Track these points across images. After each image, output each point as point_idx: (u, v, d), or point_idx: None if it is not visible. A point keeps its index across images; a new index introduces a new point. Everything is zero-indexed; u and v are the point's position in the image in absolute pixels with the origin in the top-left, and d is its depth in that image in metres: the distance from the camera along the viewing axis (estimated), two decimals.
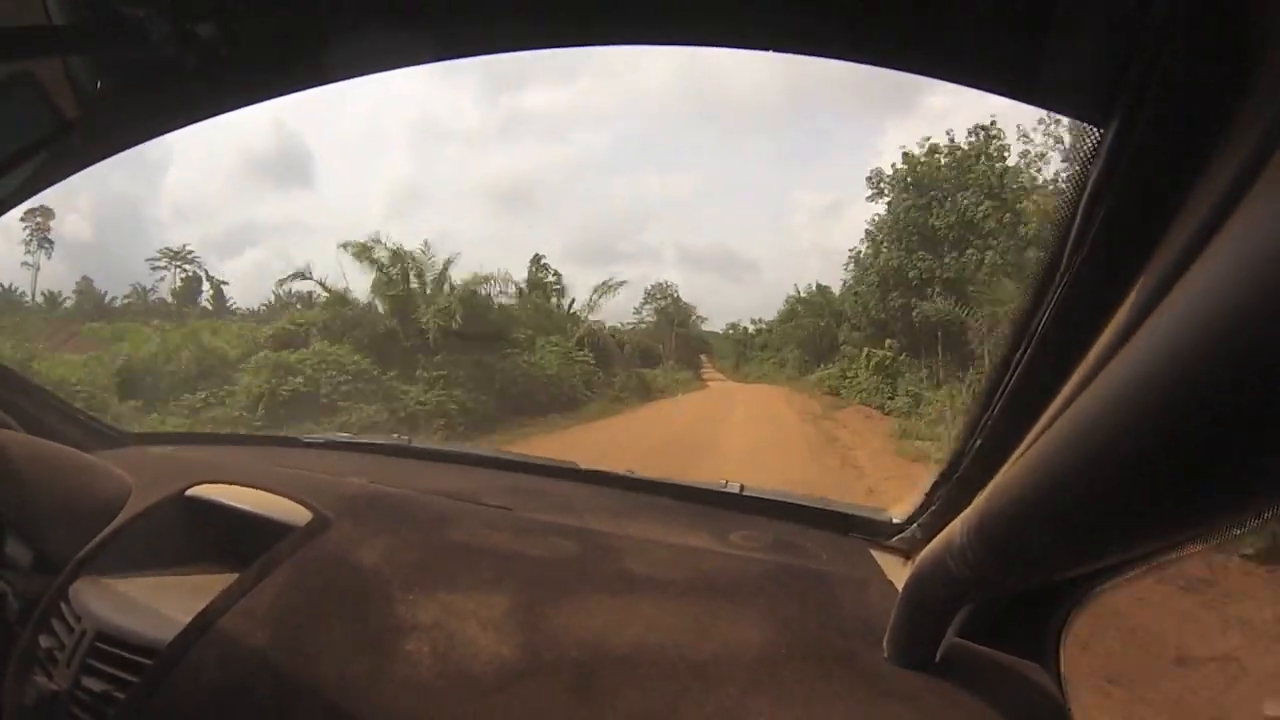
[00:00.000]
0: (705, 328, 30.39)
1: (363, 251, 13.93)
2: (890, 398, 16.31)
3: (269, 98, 0.93)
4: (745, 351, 29.34)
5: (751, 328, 29.36)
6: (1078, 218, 0.56)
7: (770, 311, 27.25)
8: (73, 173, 1.13)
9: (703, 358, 30.23)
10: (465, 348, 13.49)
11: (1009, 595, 0.81)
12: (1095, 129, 0.54)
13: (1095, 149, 0.53)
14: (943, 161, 16.90)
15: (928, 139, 17.23)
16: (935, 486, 0.96)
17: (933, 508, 0.97)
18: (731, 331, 30.12)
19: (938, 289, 16.06)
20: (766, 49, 0.73)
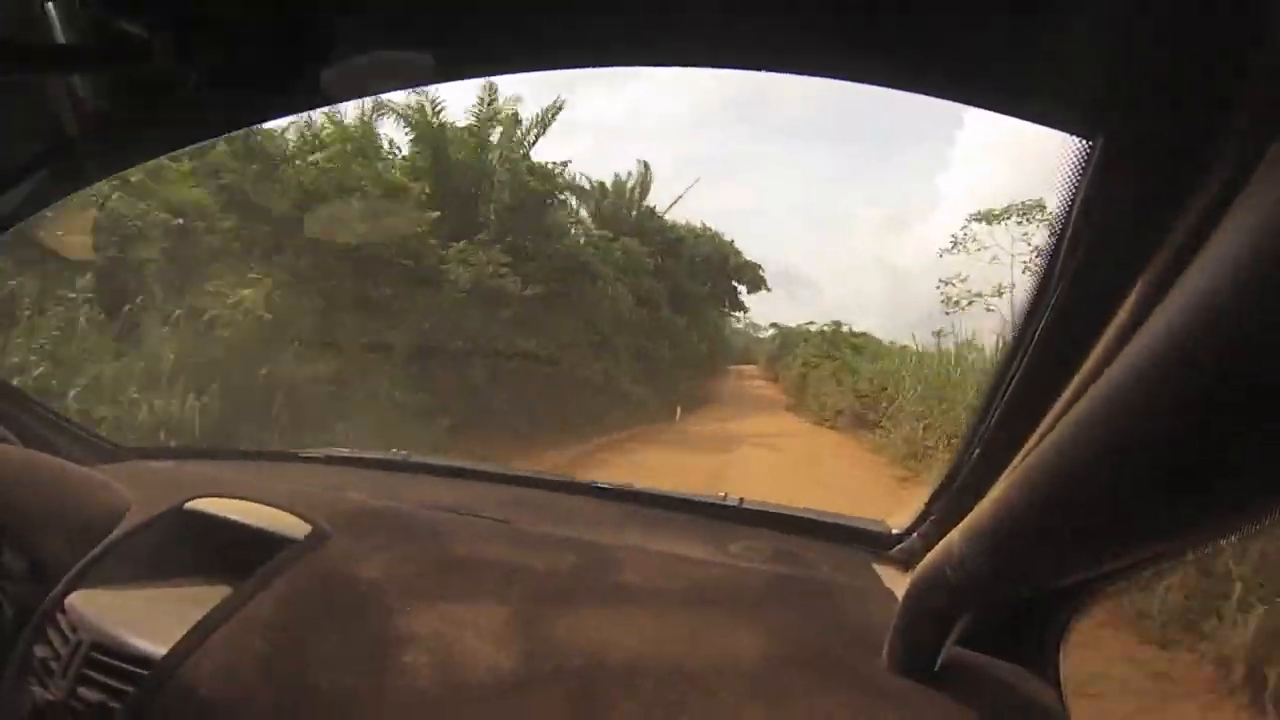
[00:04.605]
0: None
1: None
2: None
3: (270, 119, 0.94)
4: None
5: None
6: (1069, 232, 0.57)
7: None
8: (73, 191, 1.14)
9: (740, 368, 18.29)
10: None
11: (1008, 604, 0.81)
12: (1086, 141, 0.55)
13: (1087, 158, 0.54)
14: None
15: None
16: (934, 497, 0.97)
17: (932, 517, 0.98)
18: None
19: None
20: (755, 68, 0.74)
